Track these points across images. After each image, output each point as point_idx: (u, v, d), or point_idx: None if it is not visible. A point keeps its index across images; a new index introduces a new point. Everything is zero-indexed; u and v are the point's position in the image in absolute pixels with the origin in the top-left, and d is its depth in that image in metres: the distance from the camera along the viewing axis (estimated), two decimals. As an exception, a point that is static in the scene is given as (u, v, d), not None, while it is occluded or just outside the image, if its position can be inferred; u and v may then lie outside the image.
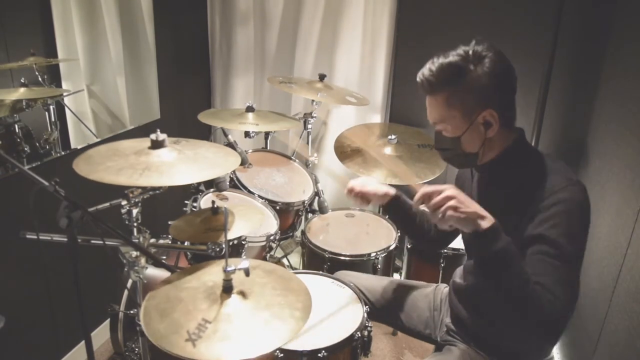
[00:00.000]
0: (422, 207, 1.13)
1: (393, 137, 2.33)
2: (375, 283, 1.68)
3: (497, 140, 1.23)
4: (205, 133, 2.56)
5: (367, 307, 1.54)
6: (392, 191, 1.53)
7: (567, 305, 1.07)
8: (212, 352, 0.98)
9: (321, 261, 1.99)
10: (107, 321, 1.86)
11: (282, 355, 1.33)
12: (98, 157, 1.25)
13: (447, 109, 1.19)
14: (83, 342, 1.25)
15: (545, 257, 1.09)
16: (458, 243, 1.79)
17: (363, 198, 1.51)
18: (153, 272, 1.64)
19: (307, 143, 2.53)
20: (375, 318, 1.62)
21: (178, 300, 1.12)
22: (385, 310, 1.62)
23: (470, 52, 1.15)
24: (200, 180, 1.24)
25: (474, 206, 1.06)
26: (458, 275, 1.49)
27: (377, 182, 1.54)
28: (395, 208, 1.55)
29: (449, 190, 1.07)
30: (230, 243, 1.73)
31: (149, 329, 1.04)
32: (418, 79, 1.22)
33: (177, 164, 1.25)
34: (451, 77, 1.16)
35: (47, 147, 1.85)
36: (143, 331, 1.43)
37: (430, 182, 2.17)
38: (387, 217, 2.32)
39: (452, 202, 1.05)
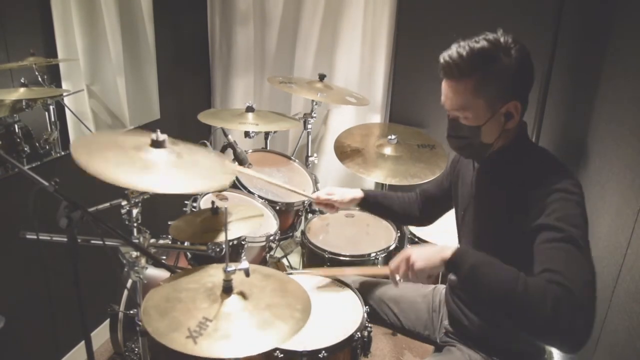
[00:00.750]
0: (400, 280, 1.22)
1: (393, 137, 2.33)
2: (374, 283, 1.68)
3: (509, 132, 1.21)
4: (205, 133, 2.56)
5: (367, 307, 1.54)
6: (358, 194, 1.66)
7: (582, 289, 0.97)
8: (213, 349, 0.98)
9: (321, 261, 1.99)
10: (107, 321, 1.86)
11: (282, 355, 1.33)
12: (97, 144, 1.23)
13: (474, 96, 1.14)
14: (83, 342, 1.25)
15: (552, 243, 1.05)
16: (455, 242, 1.79)
17: (328, 205, 1.67)
18: (153, 272, 1.64)
19: (307, 143, 2.53)
20: (373, 320, 1.62)
21: (177, 301, 1.12)
22: (384, 311, 1.62)
23: (501, 40, 1.12)
24: (195, 192, 1.23)
25: (428, 250, 1.14)
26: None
27: (340, 191, 1.67)
28: (368, 206, 1.71)
29: (401, 254, 1.18)
30: (230, 243, 1.73)
31: (150, 327, 1.04)
32: (443, 62, 1.15)
33: (174, 171, 1.21)
34: (483, 62, 1.11)
35: (47, 147, 1.85)
36: (143, 331, 1.44)
37: (430, 182, 2.17)
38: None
39: (412, 261, 1.14)
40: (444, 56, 1.15)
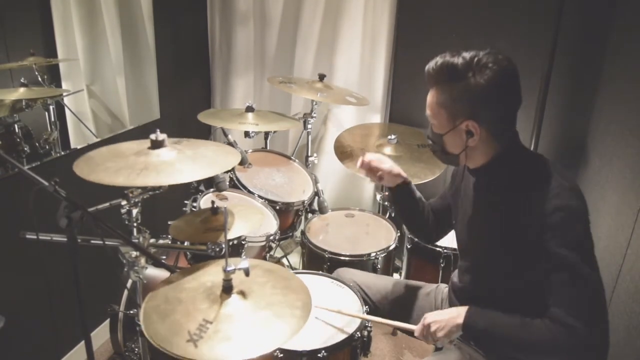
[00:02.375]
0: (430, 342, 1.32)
1: (393, 137, 2.33)
2: (376, 281, 1.68)
3: (483, 149, 1.23)
4: (205, 133, 2.56)
5: (366, 307, 1.54)
6: (405, 175, 1.56)
7: (586, 322, 1.08)
8: (214, 353, 0.98)
9: (321, 261, 1.99)
10: (107, 321, 1.86)
11: (282, 355, 1.33)
12: (99, 158, 1.25)
13: (437, 105, 1.22)
14: (83, 342, 1.25)
15: (552, 277, 1.12)
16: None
17: (374, 172, 1.53)
18: (153, 272, 1.64)
19: (307, 143, 2.53)
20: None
21: (177, 302, 1.12)
22: (385, 310, 1.62)
23: (476, 59, 1.14)
24: (199, 179, 1.24)
25: (444, 318, 1.26)
26: (455, 275, 1.49)
27: (392, 162, 1.56)
28: (404, 192, 1.57)
29: (423, 322, 1.30)
30: (230, 243, 1.73)
31: (150, 331, 1.04)
32: (425, 69, 1.24)
33: (175, 163, 1.24)
34: (447, 77, 1.17)
35: (47, 147, 1.85)
36: (143, 331, 1.44)
37: (430, 182, 2.18)
38: (387, 217, 2.32)
39: (432, 330, 1.26)
40: (428, 63, 1.23)
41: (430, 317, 1.28)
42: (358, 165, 1.56)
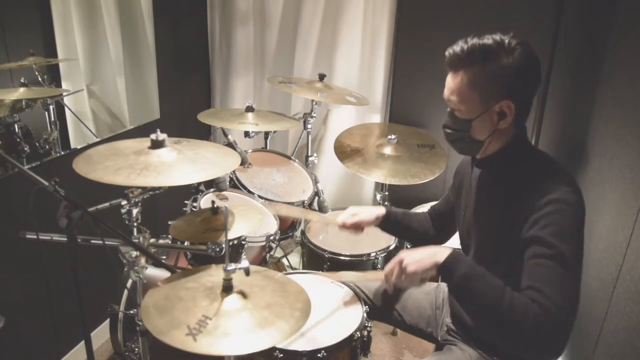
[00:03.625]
0: (393, 286, 1.23)
1: (393, 137, 2.33)
2: (376, 280, 1.68)
3: (504, 134, 1.23)
4: (205, 133, 2.56)
5: (366, 307, 1.54)
6: (382, 211, 1.60)
7: (563, 309, 1.04)
8: (213, 347, 0.99)
9: (321, 261, 1.99)
10: (107, 321, 1.86)
11: (281, 355, 1.33)
12: (97, 156, 1.25)
13: (468, 89, 1.18)
14: (83, 342, 1.25)
15: (540, 259, 1.09)
16: (457, 243, 1.79)
17: (357, 228, 1.59)
18: (153, 272, 1.64)
19: (307, 143, 2.53)
20: (375, 316, 1.63)
21: (177, 299, 1.12)
22: (386, 308, 1.62)
23: (506, 40, 1.15)
24: (199, 181, 1.24)
25: (421, 253, 1.17)
26: None
27: (365, 210, 1.60)
28: (389, 225, 1.62)
29: (395, 258, 1.20)
30: (230, 243, 1.73)
31: (149, 324, 1.04)
32: (447, 54, 1.20)
33: (176, 164, 1.25)
34: (481, 57, 1.16)
35: (47, 147, 1.85)
36: (143, 331, 1.44)
37: (429, 182, 2.17)
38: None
39: (404, 264, 1.17)
40: (449, 49, 1.21)
41: (404, 252, 1.20)
42: (339, 228, 1.61)
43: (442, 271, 1.14)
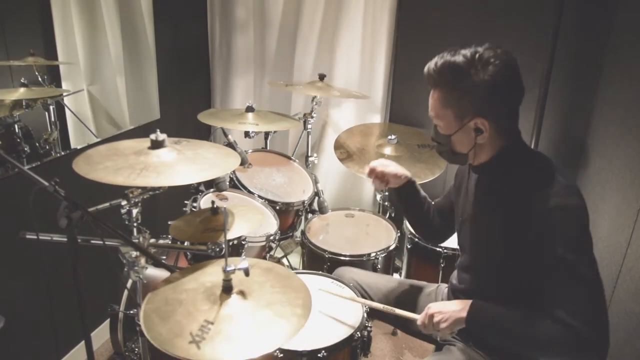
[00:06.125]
0: (431, 333, 1.33)
1: (393, 137, 2.33)
2: (376, 280, 1.69)
3: (489, 146, 1.23)
4: (205, 133, 2.56)
5: (367, 307, 1.54)
6: (409, 174, 1.58)
7: (590, 324, 1.07)
8: (217, 353, 0.98)
9: (321, 261, 1.99)
10: (107, 321, 1.86)
11: (282, 355, 1.33)
12: (97, 156, 1.25)
13: (442, 106, 1.21)
14: (83, 342, 1.25)
15: (553, 278, 1.12)
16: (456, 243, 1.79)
17: (383, 179, 1.55)
18: (153, 272, 1.64)
19: (307, 143, 2.53)
20: (375, 316, 1.63)
21: (178, 303, 1.11)
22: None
23: (477, 55, 1.13)
24: (199, 181, 1.24)
25: (448, 310, 1.26)
26: (454, 276, 1.49)
27: (395, 164, 1.57)
28: (408, 192, 1.59)
29: (426, 313, 1.30)
30: (230, 243, 1.73)
31: (151, 333, 1.03)
32: (424, 71, 1.23)
33: (175, 164, 1.25)
34: (450, 78, 1.17)
35: (47, 147, 1.85)
36: (143, 331, 1.43)
37: (430, 182, 2.17)
38: (387, 217, 2.32)
39: (435, 320, 1.26)
40: (427, 65, 1.22)
41: (434, 307, 1.28)
42: (366, 173, 1.57)
43: (468, 323, 1.23)
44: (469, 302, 1.24)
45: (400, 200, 1.63)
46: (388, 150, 2.32)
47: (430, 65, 1.20)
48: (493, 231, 1.27)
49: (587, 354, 1.09)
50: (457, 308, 1.25)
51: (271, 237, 1.91)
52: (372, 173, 1.56)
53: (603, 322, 1.10)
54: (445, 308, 1.27)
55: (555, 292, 1.11)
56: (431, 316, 1.27)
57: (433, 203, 1.66)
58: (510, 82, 1.16)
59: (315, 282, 1.66)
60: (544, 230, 1.12)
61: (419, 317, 1.33)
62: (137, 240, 1.32)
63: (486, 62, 1.13)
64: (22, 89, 1.73)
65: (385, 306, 1.47)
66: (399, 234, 2.14)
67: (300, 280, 1.22)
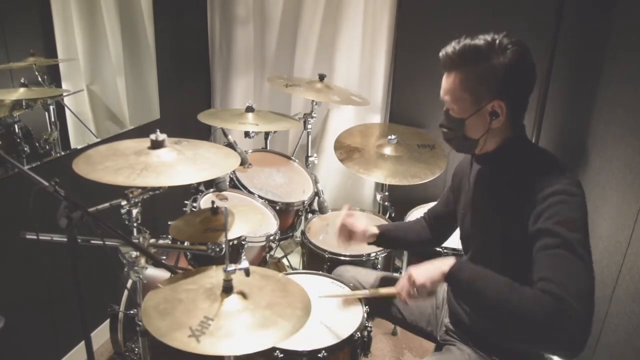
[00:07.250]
0: (406, 300, 1.28)
1: (393, 137, 2.33)
2: (377, 277, 1.68)
3: (498, 134, 1.24)
4: (205, 133, 2.56)
5: (367, 307, 1.54)
6: (375, 231, 1.62)
7: (577, 296, 0.99)
8: (217, 347, 0.99)
9: (321, 261, 1.99)
10: (107, 321, 1.86)
11: (282, 355, 1.33)
12: (97, 156, 1.25)
13: (460, 89, 1.21)
14: (83, 342, 1.25)
15: (547, 250, 1.08)
16: (457, 243, 1.79)
17: (346, 234, 1.62)
18: (153, 272, 1.64)
19: (307, 143, 2.53)
20: (376, 313, 1.63)
21: (177, 301, 1.12)
22: (387, 305, 1.62)
23: (497, 41, 1.16)
24: (199, 181, 1.24)
25: (428, 266, 1.21)
26: None
27: (364, 227, 1.61)
28: (385, 241, 1.66)
29: (404, 274, 1.26)
30: (230, 243, 1.73)
31: (150, 326, 1.04)
32: (440, 55, 1.23)
33: (175, 164, 1.25)
34: (471, 59, 1.18)
35: (47, 147, 1.85)
36: (143, 331, 1.44)
37: (430, 182, 2.17)
38: (387, 217, 2.32)
39: (413, 278, 1.21)
40: (443, 49, 1.23)
41: (413, 268, 1.25)
42: (338, 228, 1.63)
43: (449, 279, 1.17)
44: (452, 258, 1.20)
45: (381, 247, 1.70)
46: (388, 150, 2.32)
47: (448, 49, 1.21)
48: (495, 221, 1.27)
49: (570, 329, 1.00)
50: (438, 264, 1.20)
51: (271, 237, 1.91)
52: (340, 227, 1.62)
53: (589, 303, 1.03)
54: (424, 265, 1.23)
55: (548, 264, 1.07)
56: (409, 276, 1.23)
57: (427, 211, 1.68)
58: (527, 67, 1.19)
59: (315, 284, 1.66)
60: (541, 213, 1.11)
61: (397, 282, 1.29)
62: (137, 241, 1.32)
63: (505, 47, 1.15)
64: (22, 89, 1.73)
65: (371, 289, 1.49)
66: (399, 234, 2.13)
67: (299, 287, 1.23)
